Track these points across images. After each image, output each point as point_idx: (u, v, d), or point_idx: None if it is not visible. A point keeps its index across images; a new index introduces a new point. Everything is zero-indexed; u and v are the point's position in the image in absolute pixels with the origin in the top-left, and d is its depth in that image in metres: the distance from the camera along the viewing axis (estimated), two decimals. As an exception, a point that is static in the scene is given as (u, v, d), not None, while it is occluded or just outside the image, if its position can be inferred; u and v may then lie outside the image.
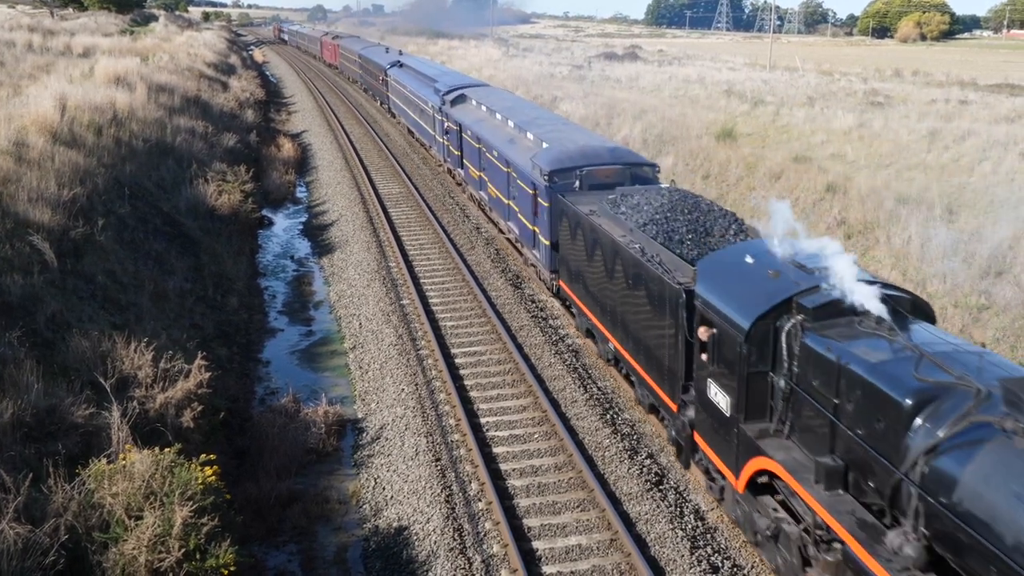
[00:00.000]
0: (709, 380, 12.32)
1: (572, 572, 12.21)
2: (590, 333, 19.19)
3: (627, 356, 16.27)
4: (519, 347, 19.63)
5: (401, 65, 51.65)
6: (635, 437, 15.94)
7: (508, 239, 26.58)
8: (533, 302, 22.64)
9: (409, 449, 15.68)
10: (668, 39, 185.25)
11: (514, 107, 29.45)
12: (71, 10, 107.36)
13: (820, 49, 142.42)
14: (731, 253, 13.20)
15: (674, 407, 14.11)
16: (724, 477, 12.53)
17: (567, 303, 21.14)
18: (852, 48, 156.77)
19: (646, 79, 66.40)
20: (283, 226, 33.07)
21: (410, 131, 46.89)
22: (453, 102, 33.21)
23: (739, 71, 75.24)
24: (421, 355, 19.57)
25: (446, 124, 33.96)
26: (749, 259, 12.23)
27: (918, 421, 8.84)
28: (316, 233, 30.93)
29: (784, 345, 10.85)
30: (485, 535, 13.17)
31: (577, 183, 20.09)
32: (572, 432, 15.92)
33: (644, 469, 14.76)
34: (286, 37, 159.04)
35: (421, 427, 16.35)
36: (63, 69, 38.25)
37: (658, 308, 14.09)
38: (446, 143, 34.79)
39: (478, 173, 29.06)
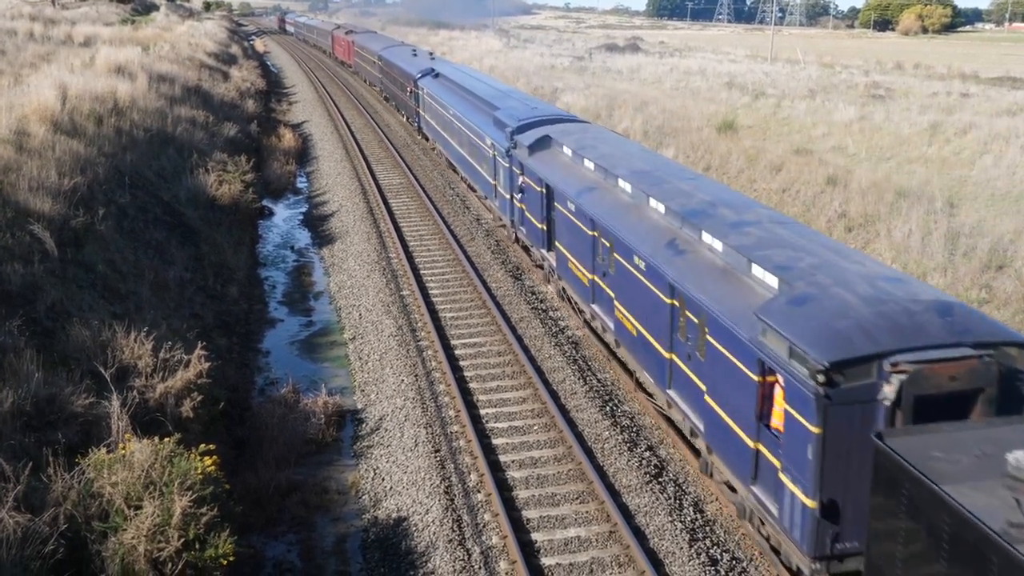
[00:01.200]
0: None
1: (571, 564, 12.23)
2: None
3: None
4: (519, 338, 19.63)
5: (437, 75, 39.58)
6: (634, 429, 15.95)
7: (673, 421, 15.33)
8: (533, 294, 22.63)
9: (408, 440, 15.70)
10: (669, 31, 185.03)
11: (653, 171, 17.64)
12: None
13: (821, 41, 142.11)
14: None
15: None
16: None
17: None
18: (853, 41, 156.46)
19: (647, 71, 66.33)
20: (283, 216, 33.05)
21: (451, 165, 36.00)
22: (533, 147, 22.22)
23: (740, 63, 75.13)
24: (421, 346, 19.57)
25: (521, 179, 23.09)
26: None
27: None
28: (316, 223, 30.91)
29: None
30: (484, 526, 13.19)
31: (890, 391, 9.69)
32: (571, 424, 15.93)
33: (643, 461, 14.77)
34: (291, 29, 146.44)
35: (420, 418, 16.37)
36: (64, 58, 38.18)
37: None
38: (519, 205, 23.83)
39: (590, 276, 18.18)
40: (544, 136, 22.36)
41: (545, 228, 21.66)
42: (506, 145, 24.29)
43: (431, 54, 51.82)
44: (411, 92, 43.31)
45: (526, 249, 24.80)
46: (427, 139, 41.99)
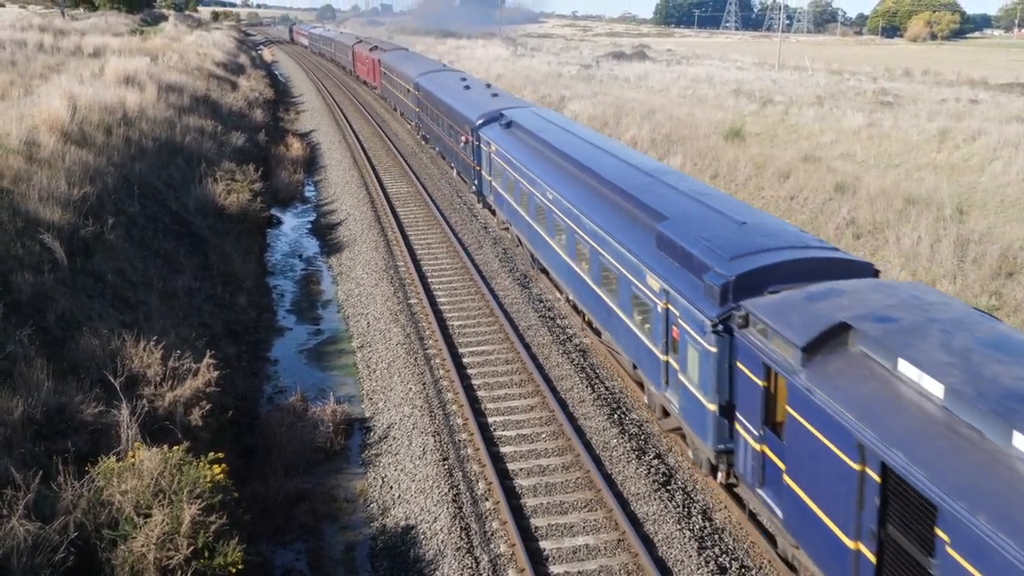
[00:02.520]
0: None
1: (579, 572, 12.21)
2: None
3: None
4: (527, 346, 19.62)
5: (509, 124, 27.19)
6: (643, 437, 15.93)
7: None
8: (540, 301, 22.62)
9: (416, 448, 15.71)
10: (676, 38, 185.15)
11: None
12: (82, 10, 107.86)
13: (829, 48, 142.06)
14: None
15: None
16: None
17: None
18: (862, 47, 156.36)
19: (654, 78, 66.39)
20: (291, 225, 33.16)
21: (539, 266, 24.05)
22: (814, 348, 10.32)
23: (748, 70, 75.14)
24: (429, 354, 19.59)
25: (790, 413, 10.64)
26: None
27: None
28: (324, 232, 30.99)
29: None
30: (492, 534, 13.18)
31: None
32: (579, 432, 15.91)
33: (652, 469, 14.75)
34: (304, 41, 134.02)
35: (428, 426, 16.37)
36: (74, 69, 38.41)
37: None
38: (772, 457, 11.48)
39: None
40: (839, 325, 10.32)
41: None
42: (715, 311, 12.30)
43: (489, 86, 37.96)
44: (467, 142, 31.10)
45: (764, 526, 12.81)
46: (492, 211, 30.15)
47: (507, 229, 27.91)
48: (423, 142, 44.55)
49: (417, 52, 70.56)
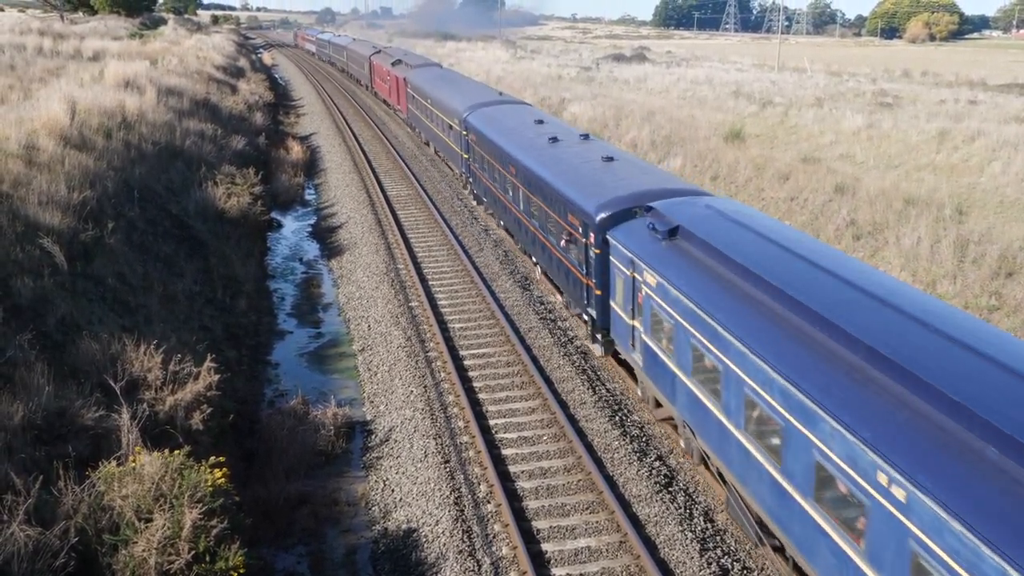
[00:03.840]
0: None
1: (581, 574, 12.19)
2: None
3: None
4: (528, 349, 19.60)
5: (674, 232, 15.05)
6: (644, 439, 15.91)
7: None
8: (542, 304, 22.61)
9: (418, 451, 15.69)
10: (676, 40, 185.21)
11: None
12: (81, 14, 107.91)
13: (828, 50, 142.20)
14: None
15: None
16: None
17: None
18: (861, 49, 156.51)
19: (654, 80, 66.43)
20: (292, 228, 33.15)
21: (773, 543, 12.12)
22: None
23: (747, 72, 75.20)
24: (430, 357, 19.57)
25: None
26: None
27: None
28: (325, 235, 30.97)
29: None
30: (494, 537, 13.16)
31: None
32: (581, 434, 15.89)
33: (653, 471, 14.73)
34: (312, 48, 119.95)
35: (430, 429, 16.35)
36: (73, 72, 38.43)
37: None
38: None
39: None
40: None
41: None
42: None
43: (587, 137, 24.30)
44: (573, 241, 19.13)
45: None
46: (634, 377, 17.74)
47: (672, 423, 15.99)
48: (475, 203, 32.68)
49: (457, 72, 54.10)
